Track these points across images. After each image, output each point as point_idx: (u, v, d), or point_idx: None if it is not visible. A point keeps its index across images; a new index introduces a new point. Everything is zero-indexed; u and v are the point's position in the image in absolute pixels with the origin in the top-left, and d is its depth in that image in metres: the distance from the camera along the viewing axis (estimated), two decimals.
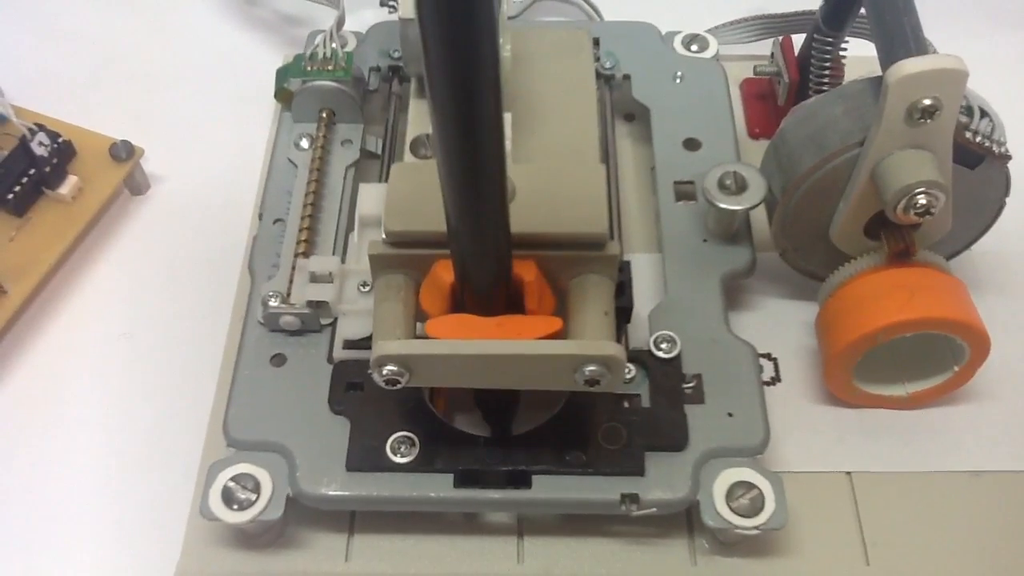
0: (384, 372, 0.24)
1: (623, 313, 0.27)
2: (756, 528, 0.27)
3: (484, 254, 0.23)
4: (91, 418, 0.32)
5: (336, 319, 0.30)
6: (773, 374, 0.32)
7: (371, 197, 0.30)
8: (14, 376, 0.33)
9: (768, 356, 0.33)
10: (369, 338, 0.28)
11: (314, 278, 0.30)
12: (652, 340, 0.29)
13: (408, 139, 0.32)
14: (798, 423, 0.31)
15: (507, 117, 0.21)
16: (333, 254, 0.32)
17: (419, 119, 0.33)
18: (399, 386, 0.25)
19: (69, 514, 0.30)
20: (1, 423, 0.32)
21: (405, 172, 0.27)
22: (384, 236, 0.26)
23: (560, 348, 0.24)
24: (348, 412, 0.28)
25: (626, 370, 0.28)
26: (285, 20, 0.44)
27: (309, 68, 0.35)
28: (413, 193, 0.25)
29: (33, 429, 0.32)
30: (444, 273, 0.25)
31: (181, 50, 0.43)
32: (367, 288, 0.30)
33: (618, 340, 0.27)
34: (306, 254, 0.31)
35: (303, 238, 0.32)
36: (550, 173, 0.26)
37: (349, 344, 0.30)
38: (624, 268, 0.27)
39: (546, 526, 0.29)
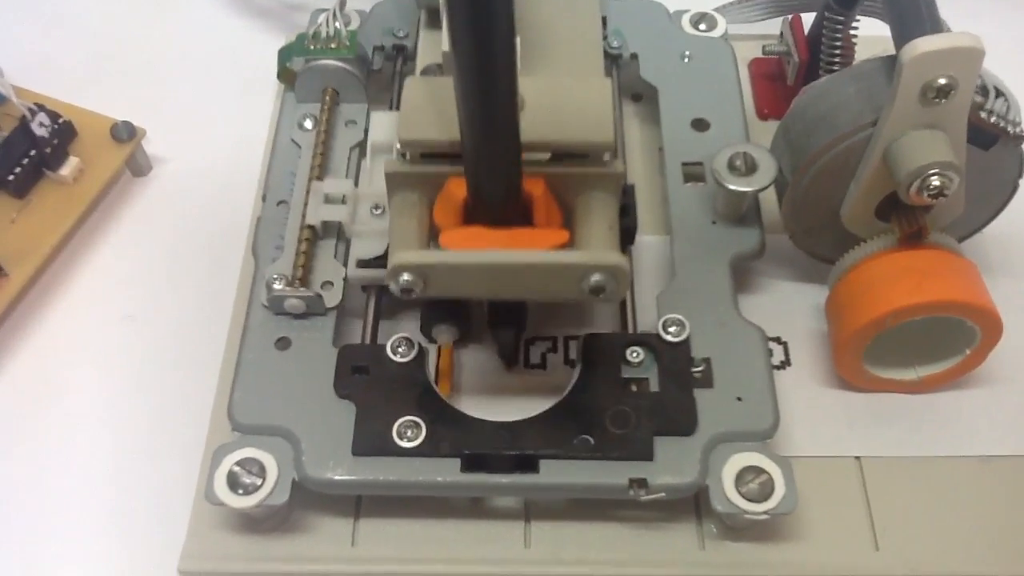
0: (400, 281, 0.25)
1: (627, 234, 0.27)
2: (765, 513, 0.26)
3: (496, 164, 0.25)
4: (94, 402, 0.32)
5: (338, 306, 0.30)
6: (783, 358, 0.32)
7: (383, 124, 0.31)
8: (16, 360, 0.33)
9: (778, 340, 0.32)
10: (381, 257, 0.30)
11: (328, 199, 0.31)
12: (660, 323, 0.29)
13: (419, 68, 0.33)
14: (808, 407, 0.31)
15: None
16: (337, 228, 0.32)
17: (429, 50, 0.33)
18: (414, 295, 0.25)
19: (73, 499, 0.30)
20: (3, 407, 0.32)
21: (419, 86, 0.27)
22: (398, 146, 0.27)
23: (567, 257, 0.25)
24: (354, 396, 0.28)
25: (629, 279, 0.28)
26: None
27: (312, 47, 0.35)
28: (426, 105, 0.26)
29: (35, 413, 0.32)
30: (457, 189, 0.26)
31: (183, 30, 0.43)
32: (379, 211, 0.31)
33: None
34: (311, 237, 0.31)
35: (307, 224, 0.31)
36: (558, 86, 0.27)
37: (362, 263, 0.30)
38: (628, 191, 0.28)
39: (553, 511, 0.29)
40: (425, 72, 0.32)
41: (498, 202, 0.26)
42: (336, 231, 0.32)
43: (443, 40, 0.28)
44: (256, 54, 0.40)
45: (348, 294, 0.31)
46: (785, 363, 0.32)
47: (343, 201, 0.31)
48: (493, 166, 0.25)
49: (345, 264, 0.31)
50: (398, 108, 0.27)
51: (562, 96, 0.27)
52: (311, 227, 0.31)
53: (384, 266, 0.27)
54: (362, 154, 0.34)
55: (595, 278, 0.25)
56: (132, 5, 0.43)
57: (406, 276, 0.25)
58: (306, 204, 0.32)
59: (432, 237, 0.27)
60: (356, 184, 0.32)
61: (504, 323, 0.30)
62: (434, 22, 0.34)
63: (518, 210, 0.26)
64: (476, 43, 0.21)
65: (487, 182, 0.25)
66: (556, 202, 0.27)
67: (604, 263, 0.25)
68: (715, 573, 0.28)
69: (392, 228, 0.27)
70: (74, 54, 0.41)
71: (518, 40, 0.23)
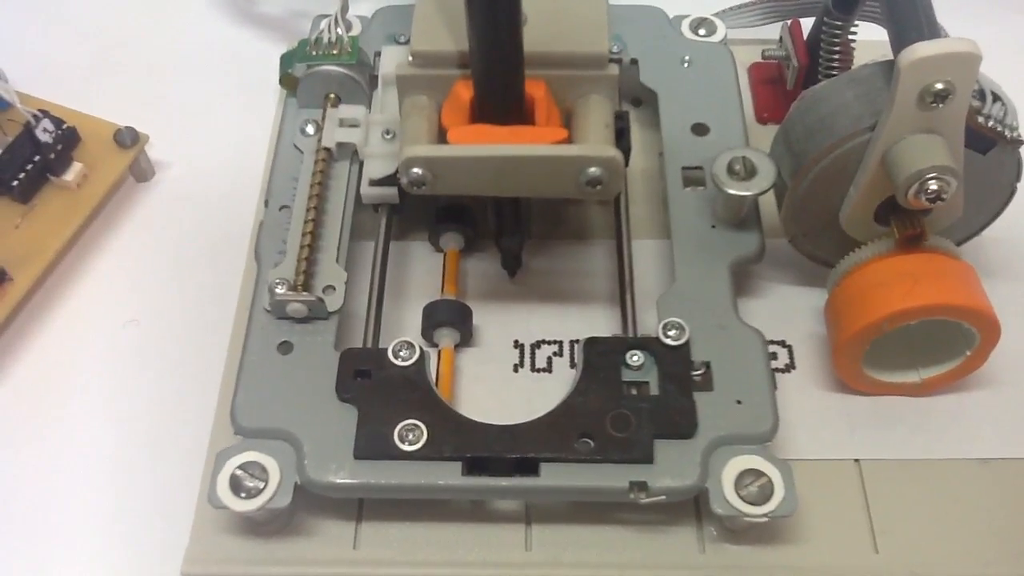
0: (411, 174, 0.27)
1: (624, 155, 0.29)
2: (765, 516, 0.27)
3: (501, 73, 0.27)
4: (98, 406, 0.32)
5: (340, 310, 0.30)
6: (788, 361, 0.32)
7: (394, 57, 0.33)
8: (20, 364, 0.33)
9: (783, 343, 0.33)
10: (392, 176, 0.32)
11: (343, 123, 0.33)
12: (660, 327, 0.29)
13: None
14: (808, 410, 0.31)
15: None
16: (340, 238, 0.32)
17: None
18: (423, 189, 0.27)
19: (77, 502, 0.31)
20: (8, 411, 0.32)
21: (429, 2, 0.30)
22: (411, 58, 0.29)
23: (566, 151, 0.28)
24: (356, 400, 0.28)
25: (624, 174, 0.29)
26: (290, 5, 0.43)
27: (314, 53, 0.35)
28: (436, 19, 0.29)
29: (40, 417, 0.32)
30: (464, 91, 0.29)
31: (186, 36, 0.43)
32: (390, 135, 0.33)
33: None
34: (313, 242, 0.31)
35: (309, 229, 0.31)
36: (557, 2, 0.30)
37: (374, 182, 0.32)
38: (622, 117, 0.30)
39: (554, 514, 0.29)
40: None
41: (502, 104, 0.28)
42: (350, 155, 0.33)
43: None
44: (258, 60, 0.41)
45: (349, 298, 0.31)
46: (790, 366, 0.32)
47: (357, 123, 0.33)
48: (499, 75, 0.27)
49: (358, 186, 0.33)
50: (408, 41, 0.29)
51: (561, 11, 0.29)
52: (312, 232, 0.31)
53: (395, 184, 0.29)
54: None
55: (592, 171, 0.27)
56: (136, 12, 0.44)
57: (416, 169, 0.27)
58: (309, 208, 0.32)
59: (441, 139, 0.29)
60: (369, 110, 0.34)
61: (508, 231, 0.32)
62: None
63: (521, 111, 0.29)
64: None
65: (493, 88, 0.28)
66: (556, 104, 0.29)
67: (600, 156, 0.27)
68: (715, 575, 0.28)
69: (403, 127, 0.29)
70: (78, 60, 0.41)
71: None
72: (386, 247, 0.32)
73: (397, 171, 0.28)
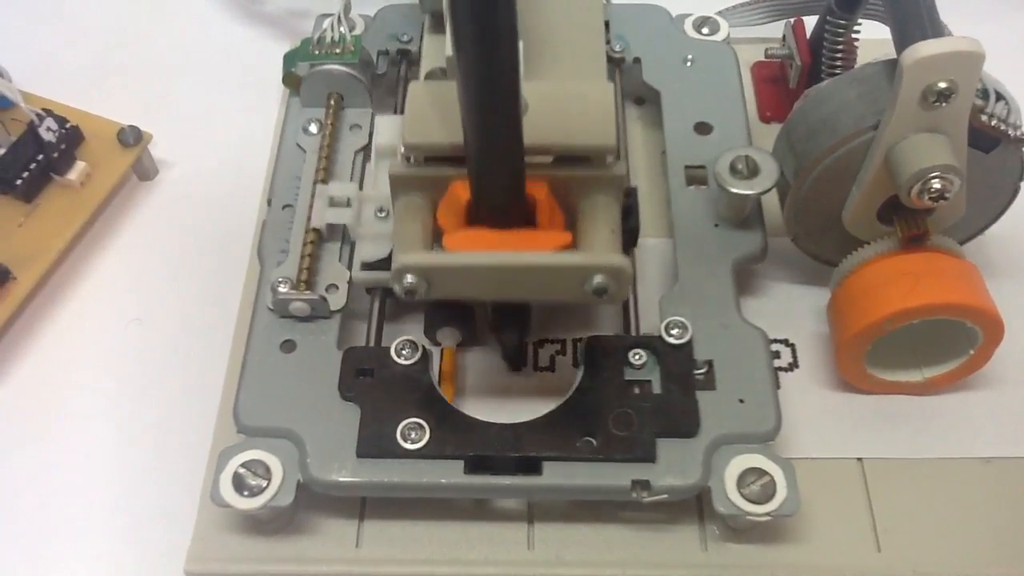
0: (404, 282, 0.25)
1: (630, 235, 0.28)
2: (767, 515, 0.27)
3: (499, 168, 0.25)
4: (101, 405, 0.32)
5: (343, 309, 0.30)
6: (791, 360, 0.32)
7: (387, 128, 0.31)
8: (24, 363, 0.33)
9: (786, 342, 0.33)
10: (386, 259, 0.30)
11: (332, 202, 0.31)
12: (663, 326, 0.29)
13: (423, 73, 0.33)
14: (810, 409, 0.31)
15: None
16: (342, 231, 0.32)
17: (432, 54, 0.33)
18: (417, 297, 0.26)
19: (80, 500, 0.31)
20: (11, 410, 0.32)
21: (423, 90, 0.27)
22: (403, 150, 0.27)
23: (569, 259, 0.25)
24: (358, 398, 0.28)
25: (631, 281, 0.28)
26: (293, 4, 0.43)
27: (317, 52, 0.35)
28: (430, 109, 0.27)
29: (43, 416, 0.32)
30: (461, 192, 0.26)
31: (189, 35, 0.43)
32: (383, 214, 0.31)
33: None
34: (316, 241, 0.31)
35: (312, 227, 0.31)
36: (560, 90, 0.27)
37: (367, 266, 0.30)
38: (631, 193, 0.28)
39: (556, 512, 0.29)
40: (429, 77, 0.33)
41: (501, 205, 0.26)
42: (341, 234, 0.32)
43: (447, 45, 0.28)
44: (261, 59, 0.41)
45: (352, 297, 0.31)
46: (793, 365, 0.32)
47: (348, 204, 0.31)
48: (497, 170, 0.25)
49: (350, 267, 0.31)
50: (402, 112, 0.27)
51: (564, 100, 0.27)
52: (316, 230, 0.31)
53: (388, 268, 0.27)
54: (367, 158, 0.34)
55: (597, 279, 0.25)
56: (139, 10, 0.44)
57: (410, 278, 0.25)
58: (311, 207, 0.32)
59: (436, 239, 0.27)
60: (360, 187, 0.32)
61: (508, 327, 0.30)
62: (438, 27, 0.34)
63: (521, 212, 0.26)
64: (479, 48, 0.22)
65: (491, 185, 0.26)
66: (559, 204, 0.27)
67: (606, 264, 0.25)
68: (717, 574, 0.28)
69: (396, 230, 0.27)
70: (81, 59, 0.41)
71: (521, 44, 0.23)
72: (379, 332, 0.31)
73: (391, 254, 0.27)
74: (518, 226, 0.26)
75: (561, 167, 0.27)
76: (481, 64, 0.22)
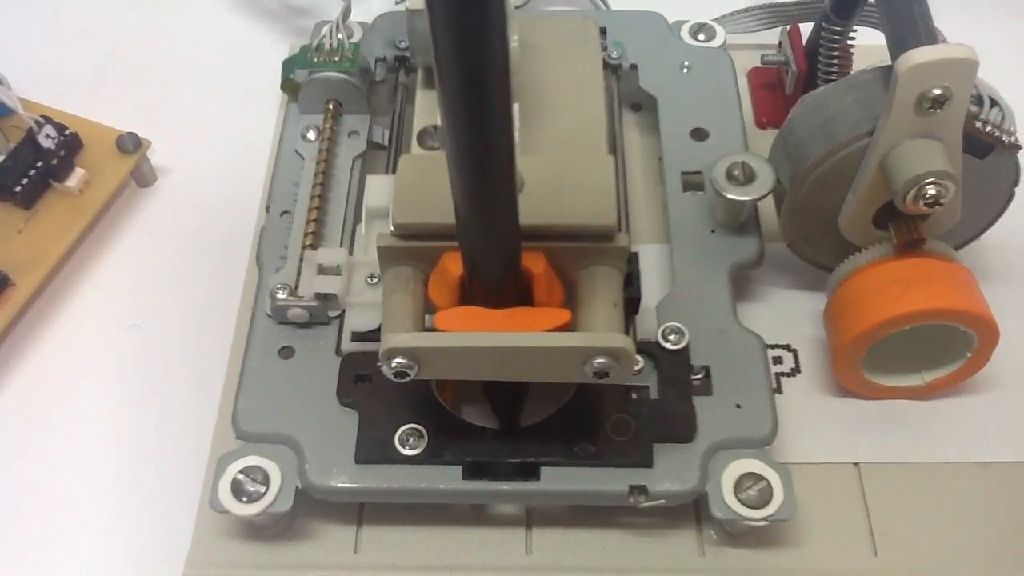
0: (393, 365, 0.24)
1: (631, 304, 0.27)
2: (764, 519, 0.27)
3: (493, 246, 0.23)
4: (100, 410, 0.32)
5: (344, 311, 0.30)
6: (793, 365, 0.32)
7: (378, 189, 0.30)
8: (23, 369, 0.33)
9: (788, 347, 0.33)
10: (377, 330, 0.29)
11: (322, 270, 0.30)
12: (660, 331, 0.29)
13: (415, 130, 0.32)
14: (809, 414, 0.31)
15: (515, 108, 0.21)
16: (340, 246, 0.32)
17: (426, 110, 0.33)
18: (408, 379, 0.25)
19: (79, 506, 0.31)
20: (10, 415, 0.32)
21: (413, 164, 0.26)
22: (392, 228, 0.25)
23: (569, 340, 0.24)
24: (356, 404, 0.28)
25: (635, 362, 0.28)
26: (291, 11, 0.43)
27: (315, 59, 0.35)
28: (421, 185, 0.25)
29: (42, 422, 0.32)
30: (452, 265, 0.25)
31: (187, 42, 0.43)
32: (375, 280, 0.30)
33: (627, 331, 0.27)
34: (314, 246, 0.31)
35: (310, 230, 0.32)
36: (559, 164, 0.26)
37: (357, 336, 0.30)
38: (632, 259, 0.27)
39: (554, 517, 0.29)
40: (422, 134, 0.32)
41: (496, 282, 0.25)
42: (331, 303, 0.30)
43: (438, 114, 0.24)
44: (260, 66, 0.41)
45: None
46: (795, 370, 0.32)
47: (338, 271, 0.30)
48: (491, 250, 0.24)
49: (339, 338, 0.30)
50: (393, 173, 0.26)
51: (563, 176, 0.26)
52: (313, 233, 0.31)
53: (379, 339, 0.25)
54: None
55: (598, 361, 0.24)
56: (138, 18, 0.44)
57: (399, 360, 0.24)
58: (309, 212, 0.32)
59: (429, 311, 0.26)
60: (351, 252, 0.31)
61: (503, 399, 0.29)
62: (431, 82, 0.33)
63: (517, 287, 0.25)
64: (471, 120, 0.20)
65: (484, 264, 0.24)
66: (557, 278, 0.26)
67: (607, 347, 0.24)
68: None
69: (385, 307, 0.26)
70: (80, 66, 0.42)
71: (516, 107, 0.21)
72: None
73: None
74: (514, 302, 0.25)
75: (561, 240, 0.25)
76: (473, 138, 0.20)
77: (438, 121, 0.30)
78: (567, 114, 0.32)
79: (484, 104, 0.19)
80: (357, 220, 0.33)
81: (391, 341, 0.24)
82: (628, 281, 0.26)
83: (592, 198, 0.25)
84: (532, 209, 0.24)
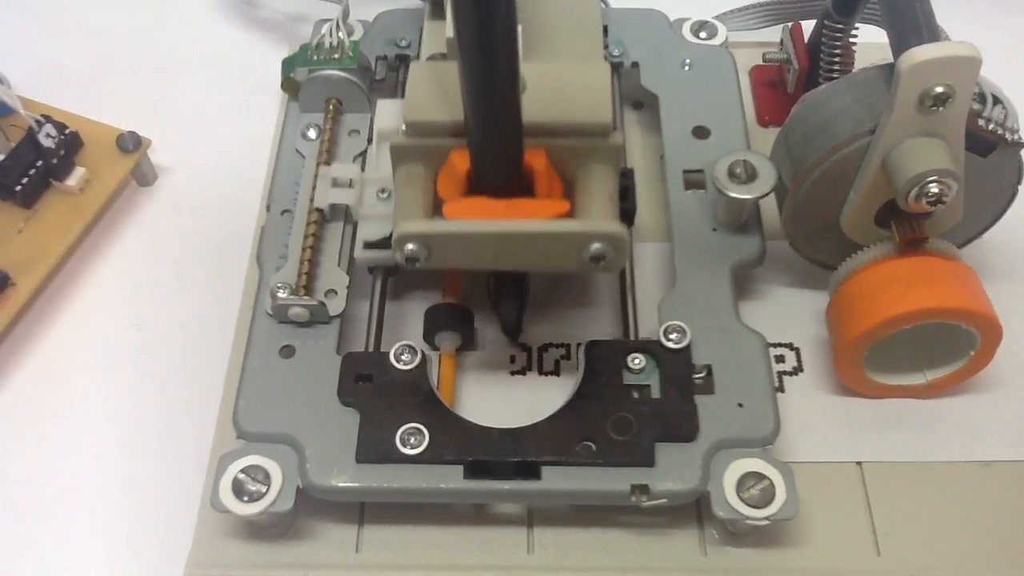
0: (405, 250, 0.26)
1: (627, 215, 0.28)
2: (766, 519, 0.27)
3: (498, 141, 0.26)
4: (101, 410, 0.32)
5: (341, 316, 0.30)
6: (796, 364, 0.32)
7: (388, 112, 0.32)
8: (23, 368, 0.33)
9: (791, 346, 0.33)
10: (387, 238, 0.30)
11: (336, 183, 0.32)
12: (662, 330, 0.29)
13: (423, 58, 0.34)
14: (812, 413, 0.31)
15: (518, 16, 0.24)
16: (341, 244, 0.32)
17: (432, 40, 0.34)
18: (418, 265, 0.26)
19: (80, 506, 0.31)
20: (11, 415, 0.32)
21: (422, 70, 0.28)
22: (404, 128, 0.27)
23: (568, 226, 0.26)
24: (357, 404, 0.28)
25: (629, 248, 0.29)
26: (291, 9, 0.43)
27: (315, 57, 0.35)
28: (430, 88, 0.27)
29: (43, 421, 0.32)
30: (460, 161, 0.27)
31: (188, 41, 0.43)
32: (385, 195, 0.31)
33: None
34: (314, 246, 0.31)
35: (312, 231, 0.31)
36: (558, 69, 0.28)
37: (369, 245, 0.31)
38: (627, 174, 0.29)
39: (556, 517, 0.29)
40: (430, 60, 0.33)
41: (500, 175, 0.27)
42: (343, 214, 0.32)
43: (447, 28, 0.29)
44: (260, 65, 0.41)
45: (351, 301, 0.31)
46: (798, 369, 0.32)
47: (350, 185, 0.32)
48: (496, 145, 0.26)
49: (352, 248, 0.31)
50: (403, 96, 0.28)
51: (562, 79, 0.28)
52: (319, 210, 0.32)
53: (390, 247, 0.27)
54: (365, 164, 0.34)
55: (595, 246, 0.26)
56: (138, 16, 0.44)
57: (411, 245, 0.26)
58: (310, 212, 0.32)
59: (436, 210, 0.28)
60: (363, 170, 0.33)
61: (507, 300, 0.31)
62: (437, 14, 0.35)
63: (520, 182, 0.27)
64: (479, 29, 0.22)
65: (490, 158, 0.26)
66: (557, 174, 0.27)
67: (604, 231, 0.26)
68: None
69: (397, 199, 0.28)
70: (80, 65, 0.41)
71: (520, 27, 0.24)
72: (381, 311, 0.31)
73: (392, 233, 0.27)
74: (517, 195, 0.27)
75: (559, 137, 0.27)
76: (481, 46, 0.23)
77: (444, 50, 0.32)
78: (565, 28, 0.33)
79: (491, 12, 0.22)
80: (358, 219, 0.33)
81: (404, 227, 0.26)
82: (624, 194, 0.28)
83: (589, 99, 0.27)
84: (533, 108, 0.26)
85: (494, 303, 0.31)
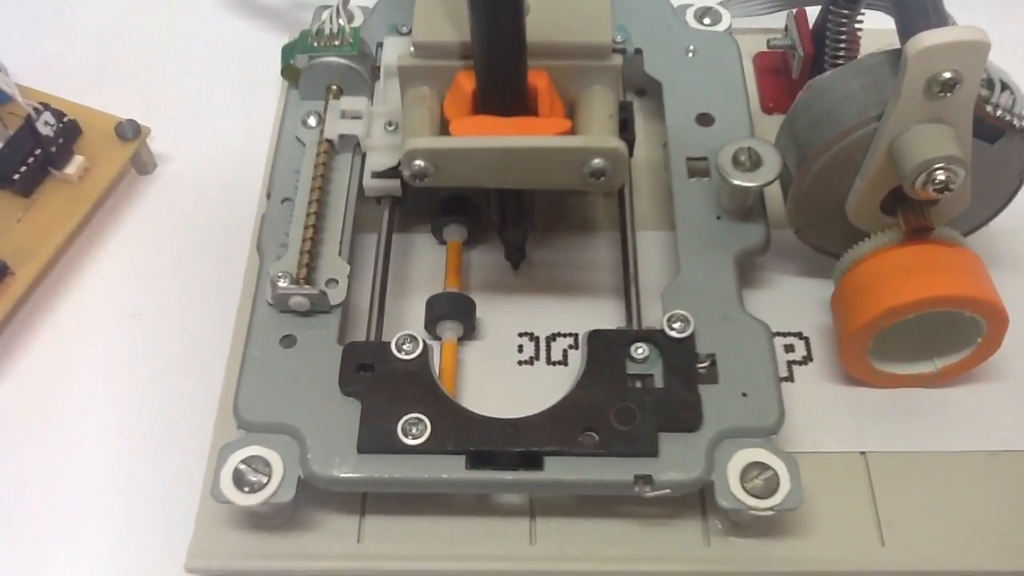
0: (414, 166, 0.27)
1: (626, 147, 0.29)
2: (771, 509, 0.26)
3: (503, 62, 0.27)
4: (100, 400, 0.32)
5: (342, 305, 0.30)
6: (805, 353, 0.32)
7: (396, 47, 0.33)
8: (22, 358, 0.33)
9: (800, 335, 0.32)
10: (395, 168, 0.31)
11: (345, 115, 0.33)
12: (665, 319, 0.29)
13: None
14: (818, 403, 0.31)
15: None
16: (342, 231, 0.32)
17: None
18: (426, 181, 0.27)
19: (80, 496, 0.31)
20: (11, 405, 0.32)
21: None
22: (412, 49, 0.29)
23: (569, 142, 0.27)
24: (359, 394, 0.28)
25: (628, 164, 0.29)
26: None
27: (315, 44, 0.35)
28: (438, 10, 0.29)
29: (43, 412, 0.32)
30: (466, 82, 0.28)
31: (187, 28, 0.43)
32: (392, 127, 0.32)
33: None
34: (315, 235, 0.31)
35: (311, 222, 0.31)
36: None
37: (377, 175, 0.32)
38: (627, 107, 0.30)
39: (558, 507, 0.29)
40: None
41: (505, 95, 0.28)
42: (352, 147, 0.33)
43: None
44: (260, 51, 0.41)
45: (352, 290, 0.31)
46: (807, 358, 0.32)
47: (359, 116, 0.33)
48: (501, 65, 0.27)
49: (360, 179, 0.32)
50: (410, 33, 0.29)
51: (564, 1, 0.29)
52: (314, 226, 0.31)
53: (398, 177, 0.29)
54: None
55: (595, 162, 0.27)
56: (137, 4, 0.43)
57: (419, 161, 0.27)
58: (311, 201, 0.32)
59: (443, 130, 0.29)
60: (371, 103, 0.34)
61: (511, 222, 0.32)
62: None
63: (523, 102, 0.28)
64: None
65: (495, 78, 0.28)
66: (559, 95, 0.29)
67: (604, 147, 0.27)
68: (720, 569, 0.28)
69: (405, 119, 0.29)
70: (79, 53, 0.41)
71: None
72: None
73: (399, 163, 0.28)
74: (521, 114, 0.28)
75: (561, 58, 0.29)
76: None
77: None
78: None
79: None
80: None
81: (412, 144, 0.27)
82: (623, 126, 0.30)
83: (589, 20, 0.29)
84: (536, 28, 0.27)
85: (499, 229, 0.33)
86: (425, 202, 0.33)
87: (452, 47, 0.29)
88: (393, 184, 0.32)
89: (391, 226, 0.33)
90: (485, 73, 0.28)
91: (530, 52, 0.27)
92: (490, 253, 0.34)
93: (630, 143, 0.30)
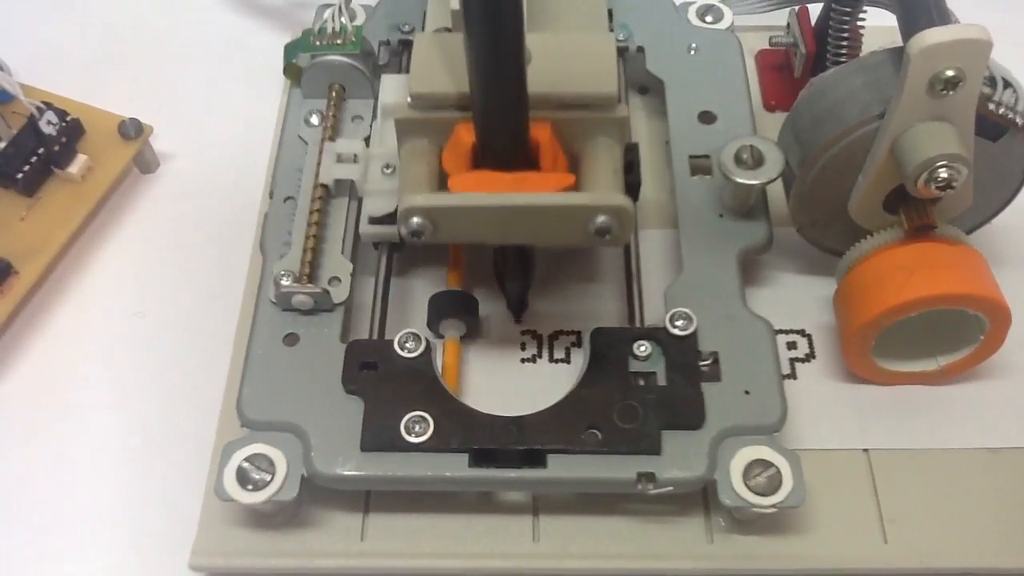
0: (411, 224, 0.26)
1: (632, 190, 0.28)
2: (773, 506, 0.26)
3: (504, 115, 0.26)
4: (104, 398, 0.32)
5: (345, 303, 0.30)
6: (808, 351, 0.32)
7: (393, 86, 0.32)
8: (26, 357, 0.33)
9: (803, 332, 0.32)
10: (392, 214, 0.30)
11: (340, 159, 0.32)
12: (668, 317, 0.29)
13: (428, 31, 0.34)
14: (821, 400, 0.31)
15: None
16: (345, 231, 0.32)
17: (437, 15, 0.34)
18: (423, 239, 0.26)
19: (84, 494, 0.31)
20: (15, 404, 0.32)
21: (429, 42, 0.28)
22: (409, 100, 0.27)
23: (573, 199, 0.26)
24: (362, 392, 0.28)
25: (633, 221, 0.27)
26: None
27: (318, 43, 0.35)
28: (435, 60, 0.28)
29: (46, 410, 0.32)
30: (465, 135, 0.27)
31: (189, 27, 0.43)
32: (390, 170, 0.31)
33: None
34: (318, 233, 0.31)
35: (314, 220, 0.31)
36: (563, 41, 0.28)
37: (374, 220, 0.31)
38: (632, 148, 0.28)
39: (561, 505, 0.29)
40: None
41: (506, 148, 0.27)
42: (348, 190, 0.32)
43: (452, 0, 0.30)
44: (262, 50, 0.41)
45: (355, 288, 0.31)
46: (810, 356, 0.32)
47: (355, 160, 0.32)
48: (501, 118, 0.26)
49: (357, 222, 0.31)
50: (407, 71, 0.28)
51: (567, 50, 0.28)
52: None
53: (395, 223, 0.27)
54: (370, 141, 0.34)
55: (600, 219, 0.26)
56: (139, 3, 0.43)
57: (416, 219, 0.26)
58: (313, 199, 0.32)
59: (441, 184, 0.27)
60: (367, 145, 0.33)
61: (512, 275, 0.31)
62: None
63: (525, 156, 0.27)
64: (485, 2, 0.23)
65: (495, 132, 0.26)
66: (562, 148, 0.27)
67: (609, 204, 0.26)
68: (723, 566, 0.28)
69: (402, 173, 0.28)
70: (81, 52, 0.41)
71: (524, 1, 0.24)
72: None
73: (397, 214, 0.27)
74: (522, 169, 0.27)
75: (564, 110, 0.27)
76: (487, 17, 0.23)
77: (449, 25, 0.33)
78: (570, 2, 0.33)
79: None
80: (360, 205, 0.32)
81: (409, 201, 0.26)
82: (629, 168, 0.28)
83: (594, 70, 0.27)
84: (538, 79, 0.26)
85: (500, 280, 0.31)
86: (424, 247, 0.31)
87: (451, 98, 0.27)
88: (391, 230, 0.31)
89: (389, 272, 0.32)
90: (485, 126, 0.26)
91: (532, 104, 0.26)
92: (490, 253, 0.34)
93: (636, 185, 0.28)
